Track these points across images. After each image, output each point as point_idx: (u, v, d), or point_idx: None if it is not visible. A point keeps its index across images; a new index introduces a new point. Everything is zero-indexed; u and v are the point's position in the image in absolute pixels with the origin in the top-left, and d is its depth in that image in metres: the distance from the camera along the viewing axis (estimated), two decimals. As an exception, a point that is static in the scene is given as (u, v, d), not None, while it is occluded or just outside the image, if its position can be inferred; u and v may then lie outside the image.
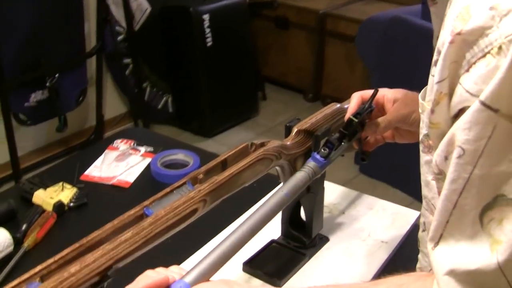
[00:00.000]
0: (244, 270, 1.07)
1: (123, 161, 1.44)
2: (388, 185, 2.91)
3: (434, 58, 0.62)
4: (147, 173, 1.41)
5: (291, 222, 1.13)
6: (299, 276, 1.07)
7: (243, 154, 0.90)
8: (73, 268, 0.63)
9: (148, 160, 1.45)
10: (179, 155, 1.45)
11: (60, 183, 1.28)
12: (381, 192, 2.76)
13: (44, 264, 0.63)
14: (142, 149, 1.48)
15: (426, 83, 0.67)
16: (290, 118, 1.04)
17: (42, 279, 0.62)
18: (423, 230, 0.81)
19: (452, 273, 0.58)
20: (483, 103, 0.53)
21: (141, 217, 0.74)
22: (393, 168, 2.81)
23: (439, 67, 0.60)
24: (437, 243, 0.62)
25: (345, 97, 1.11)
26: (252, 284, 1.04)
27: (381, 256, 1.11)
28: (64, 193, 1.26)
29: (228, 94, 3.46)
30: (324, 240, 1.16)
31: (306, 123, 1.02)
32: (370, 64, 2.98)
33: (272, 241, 1.14)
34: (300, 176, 0.92)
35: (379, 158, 1.14)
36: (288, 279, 1.05)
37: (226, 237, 0.77)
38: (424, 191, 0.77)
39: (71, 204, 1.26)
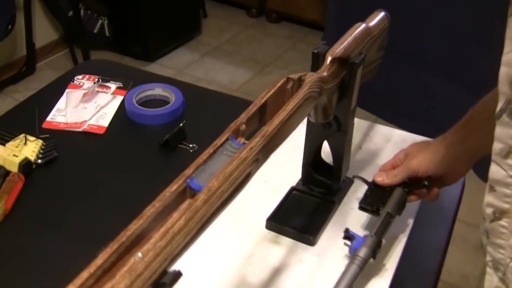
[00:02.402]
0: (268, 227, 0.91)
1: (91, 102, 1.20)
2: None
3: None
4: (121, 114, 1.19)
5: (313, 165, 0.96)
6: (333, 228, 0.91)
7: (281, 93, 0.71)
8: (122, 283, 0.43)
9: (120, 98, 1.22)
10: (157, 90, 1.23)
11: (22, 136, 1.05)
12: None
13: (77, 281, 0.43)
14: (112, 85, 1.25)
15: None
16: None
17: (81, 304, 0.42)
18: (492, 221, 0.64)
19: None
20: None
21: (184, 191, 0.54)
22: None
23: None
24: None
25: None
26: (282, 244, 0.88)
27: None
28: (28, 148, 1.03)
29: (169, 13, 3.19)
30: (348, 182, 1.01)
31: (339, 49, 0.84)
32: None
33: (292, 189, 0.97)
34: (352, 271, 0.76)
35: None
36: (322, 233, 0.90)
37: None
38: None
39: (39, 160, 1.03)
